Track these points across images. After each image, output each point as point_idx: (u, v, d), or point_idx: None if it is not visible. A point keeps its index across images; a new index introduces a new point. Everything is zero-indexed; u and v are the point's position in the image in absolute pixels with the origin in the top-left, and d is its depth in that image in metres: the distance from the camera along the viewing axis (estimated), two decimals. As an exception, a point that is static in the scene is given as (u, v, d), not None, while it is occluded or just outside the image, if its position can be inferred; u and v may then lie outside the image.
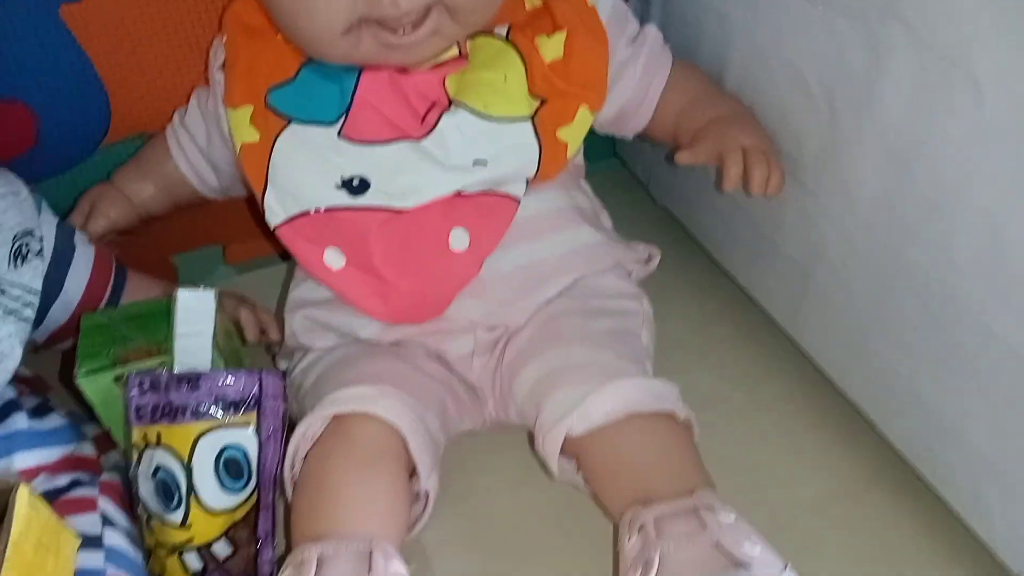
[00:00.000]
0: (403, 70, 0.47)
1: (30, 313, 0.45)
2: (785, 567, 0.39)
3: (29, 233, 0.46)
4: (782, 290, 0.56)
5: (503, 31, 0.48)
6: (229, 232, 0.68)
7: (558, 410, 0.45)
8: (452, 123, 0.47)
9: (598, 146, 0.64)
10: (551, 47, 0.48)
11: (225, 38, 0.50)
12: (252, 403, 0.45)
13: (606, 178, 0.63)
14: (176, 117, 0.55)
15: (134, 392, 0.44)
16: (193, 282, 0.48)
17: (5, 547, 0.30)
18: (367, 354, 0.49)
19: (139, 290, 0.53)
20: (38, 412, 0.45)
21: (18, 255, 0.45)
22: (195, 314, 0.44)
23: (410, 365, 0.49)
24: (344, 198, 0.47)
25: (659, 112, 0.54)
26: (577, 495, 0.49)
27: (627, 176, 0.73)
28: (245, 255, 0.69)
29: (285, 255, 0.69)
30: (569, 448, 0.46)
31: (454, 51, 0.48)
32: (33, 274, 0.46)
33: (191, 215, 0.62)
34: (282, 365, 0.54)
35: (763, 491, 0.50)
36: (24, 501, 0.31)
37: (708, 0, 0.54)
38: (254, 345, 0.56)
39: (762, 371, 0.58)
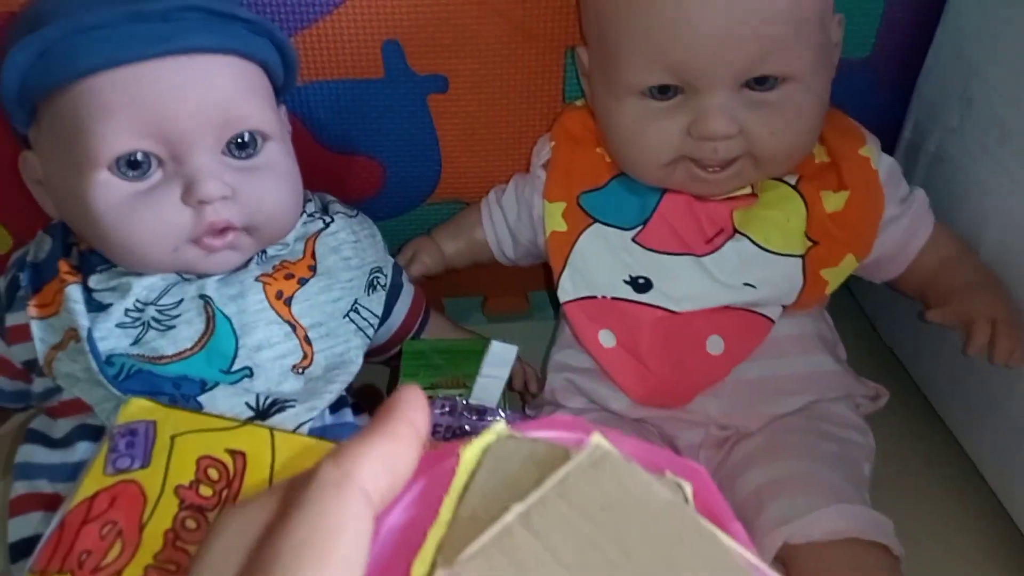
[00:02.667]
0: (700, 198, 0.56)
1: (371, 333, 0.57)
2: None
3: (380, 269, 0.59)
4: (998, 452, 0.59)
5: (792, 180, 0.56)
6: (491, 287, 0.80)
7: (780, 515, 0.51)
8: (734, 248, 0.55)
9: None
10: (833, 201, 0.55)
11: (552, 142, 0.62)
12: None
13: (835, 309, 0.68)
14: (493, 195, 0.67)
15: (436, 411, 0.54)
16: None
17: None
18: (614, 423, 0.58)
19: (437, 326, 0.65)
20: (356, 410, 0.57)
21: (371, 285, 0.58)
22: (498, 361, 0.54)
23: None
24: (629, 292, 0.56)
25: (913, 267, 0.59)
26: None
27: (855, 309, 0.77)
28: (499, 308, 0.81)
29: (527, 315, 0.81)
30: (781, 554, 0.51)
31: (747, 189, 0.56)
32: (378, 302, 0.58)
33: (465, 269, 0.74)
34: (530, 414, 0.64)
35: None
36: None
37: (975, 173, 0.59)
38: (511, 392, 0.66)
39: (961, 526, 0.60)
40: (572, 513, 0.23)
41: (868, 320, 0.76)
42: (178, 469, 0.40)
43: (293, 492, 0.21)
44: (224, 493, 0.39)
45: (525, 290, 0.80)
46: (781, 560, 0.52)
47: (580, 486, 0.24)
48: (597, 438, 0.25)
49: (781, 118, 0.51)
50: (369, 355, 0.62)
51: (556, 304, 0.70)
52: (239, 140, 0.50)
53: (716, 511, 0.25)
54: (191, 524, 0.38)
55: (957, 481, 0.63)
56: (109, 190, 0.48)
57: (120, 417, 0.42)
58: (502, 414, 0.54)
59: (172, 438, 0.41)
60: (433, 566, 0.23)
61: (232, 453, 0.40)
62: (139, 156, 0.48)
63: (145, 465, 0.40)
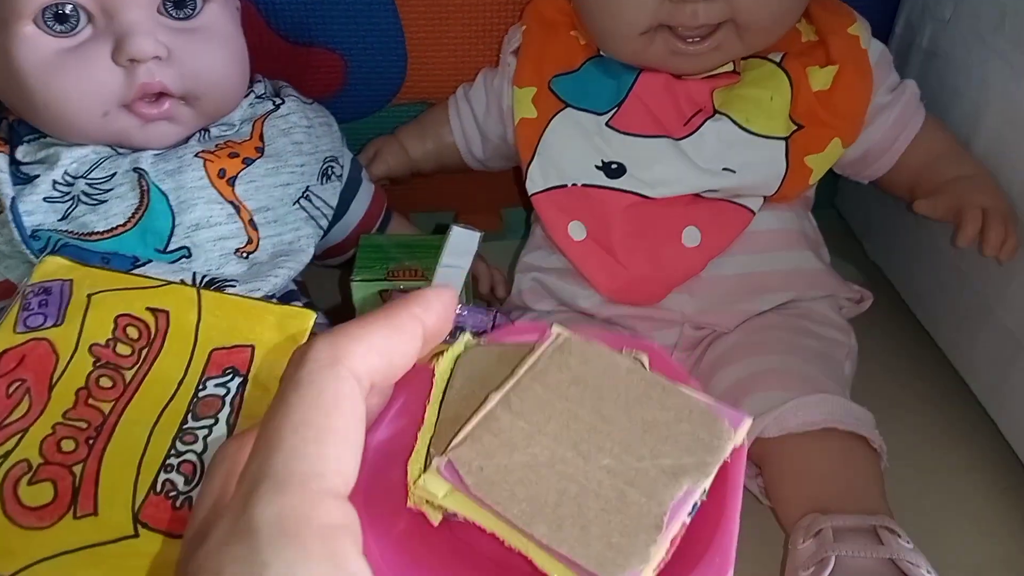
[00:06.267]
0: (679, 76, 0.52)
1: (324, 223, 0.53)
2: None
3: (335, 159, 0.55)
4: (988, 361, 0.56)
5: (777, 57, 0.53)
6: (462, 203, 0.76)
7: (754, 409, 0.47)
8: (713, 129, 0.51)
9: (818, 194, 0.67)
10: (820, 78, 0.52)
11: (524, 27, 0.58)
12: (483, 337, 0.51)
13: (822, 227, 0.64)
14: (460, 90, 0.63)
15: (392, 304, 0.51)
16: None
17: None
18: (582, 323, 0.54)
19: (399, 229, 0.61)
20: (309, 308, 0.53)
21: (324, 174, 0.54)
22: (460, 249, 0.50)
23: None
24: (601, 178, 0.53)
25: (902, 162, 0.56)
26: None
27: (843, 228, 0.74)
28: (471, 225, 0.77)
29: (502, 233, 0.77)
30: (756, 451, 0.48)
31: (728, 67, 0.52)
32: (332, 192, 0.54)
33: (435, 181, 0.71)
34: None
35: (927, 552, 0.50)
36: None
37: (969, 64, 0.56)
38: (477, 297, 0.62)
39: (946, 436, 0.58)
40: (547, 392, 0.26)
41: (855, 237, 0.73)
42: (94, 327, 0.36)
43: (288, 371, 0.22)
44: (144, 352, 0.36)
45: (499, 206, 0.76)
46: (755, 459, 0.49)
47: (550, 369, 0.26)
48: (557, 327, 0.27)
49: None
50: (326, 255, 0.59)
51: (529, 221, 0.66)
52: None
53: (672, 373, 0.27)
54: (105, 382, 0.35)
55: (944, 393, 0.60)
56: (35, 45, 0.44)
57: (34, 276, 0.38)
58: (462, 307, 0.51)
59: (89, 296, 0.37)
60: (427, 459, 0.25)
61: (153, 311, 0.37)
62: (67, 8, 0.44)
63: (58, 323, 0.37)
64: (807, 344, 0.51)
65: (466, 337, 0.28)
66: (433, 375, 0.27)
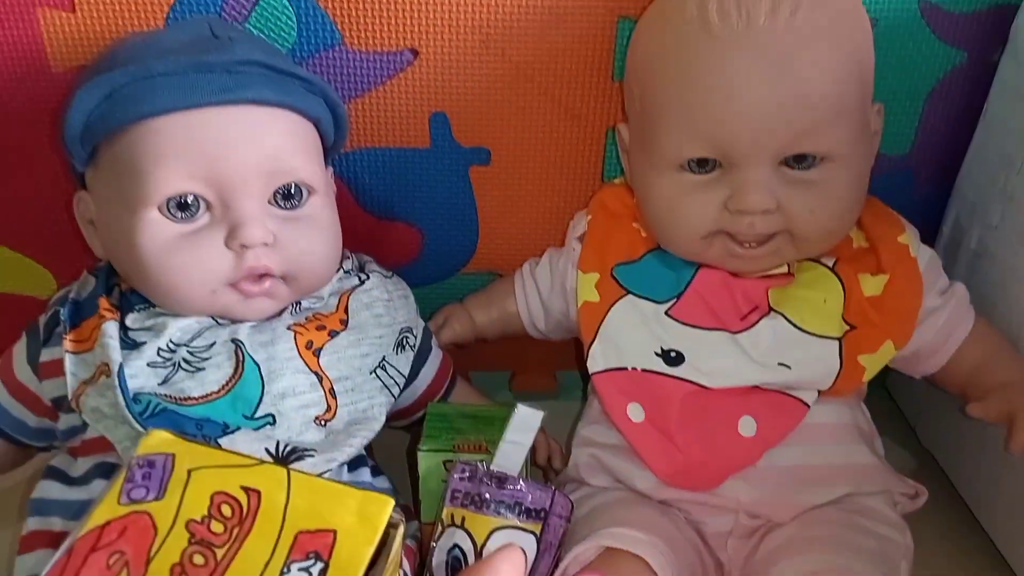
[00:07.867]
0: (735, 274, 0.56)
1: (396, 392, 0.57)
2: None
3: (409, 330, 0.59)
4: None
5: (829, 261, 0.56)
6: (519, 363, 0.79)
7: (811, 611, 0.48)
8: (769, 327, 0.54)
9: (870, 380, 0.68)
10: (871, 284, 0.55)
11: (589, 216, 0.62)
12: (541, 515, 0.52)
13: (872, 409, 0.64)
14: (527, 266, 0.67)
15: (456, 477, 0.53)
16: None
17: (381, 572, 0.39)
18: (640, 503, 0.56)
19: (462, 394, 0.64)
20: (375, 472, 0.56)
21: (400, 345, 0.58)
22: (523, 427, 0.53)
23: (674, 526, 0.55)
24: (660, 365, 0.55)
25: (953, 362, 0.58)
26: None
27: (894, 411, 0.75)
28: (527, 385, 0.80)
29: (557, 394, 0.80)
30: None
31: (783, 268, 0.56)
32: (406, 361, 0.58)
33: (494, 343, 0.74)
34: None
35: None
36: (399, 539, 0.41)
37: (1016, 266, 0.58)
38: (534, 465, 0.64)
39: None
40: None
41: (907, 422, 0.74)
42: (191, 503, 0.39)
43: None
44: (235, 531, 0.38)
45: (554, 368, 0.79)
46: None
47: None
48: None
49: (819, 197, 0.51)
50: (392, 418, 0.62)
51: (585, 385, 0.69)
52: (286, 190, 0.52)
53: None
54: (199, 560, 0.37)
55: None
56: (157, 229, 0.50)
57: (140, 448, 0.42)
58: (522, 483, 0.53)
59: (189, 471, 0.40)
60: None
61: (247, 490, 0.40)
62: (189, 199, 0.50)
63: (159, 497, 0.40)
64: (864, 543, 0.51)
65: None
66: None
